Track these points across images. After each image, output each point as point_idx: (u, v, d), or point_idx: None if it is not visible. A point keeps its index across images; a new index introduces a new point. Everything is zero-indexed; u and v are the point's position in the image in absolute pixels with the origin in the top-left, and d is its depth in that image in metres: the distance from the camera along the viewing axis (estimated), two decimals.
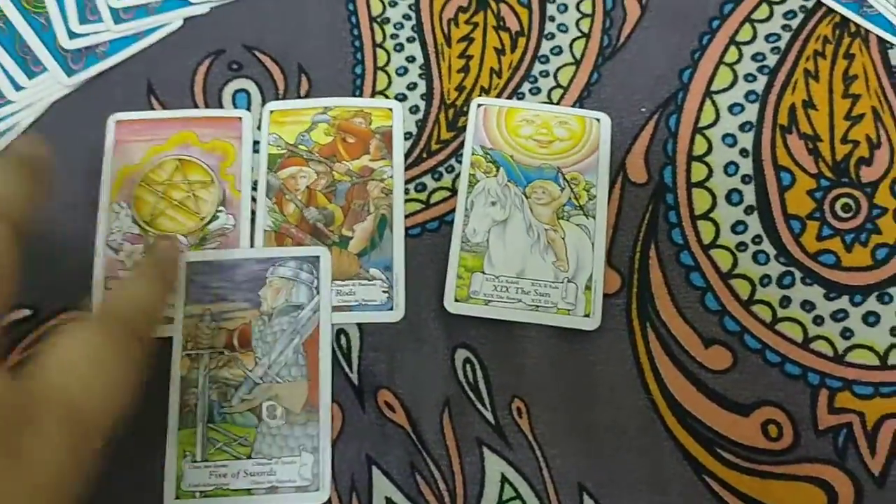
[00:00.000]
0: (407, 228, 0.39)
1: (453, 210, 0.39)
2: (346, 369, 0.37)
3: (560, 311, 0.37)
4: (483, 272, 0.38)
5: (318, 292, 0.38)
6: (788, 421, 0.36)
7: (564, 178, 0.40)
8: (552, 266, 0.38)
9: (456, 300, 0.37)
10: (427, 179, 0.40)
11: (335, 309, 0.38)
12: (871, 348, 0.37)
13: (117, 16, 0.42)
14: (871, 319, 0.37)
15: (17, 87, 0.41)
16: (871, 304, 0.37)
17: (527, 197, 0.39)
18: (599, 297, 0.38)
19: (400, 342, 0.37)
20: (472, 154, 0.40)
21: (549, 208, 0.39)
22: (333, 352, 0.37)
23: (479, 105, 0.41)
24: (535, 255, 0.38)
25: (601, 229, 0.39)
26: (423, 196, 0.40)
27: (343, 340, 0.38)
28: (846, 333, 0.37)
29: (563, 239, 0.38)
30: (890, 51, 0.41)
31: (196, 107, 0.41)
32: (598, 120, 0.40)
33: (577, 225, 0.39)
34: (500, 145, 0.40)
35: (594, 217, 0.39)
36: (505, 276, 0.38)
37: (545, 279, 0.38)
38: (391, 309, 0.38)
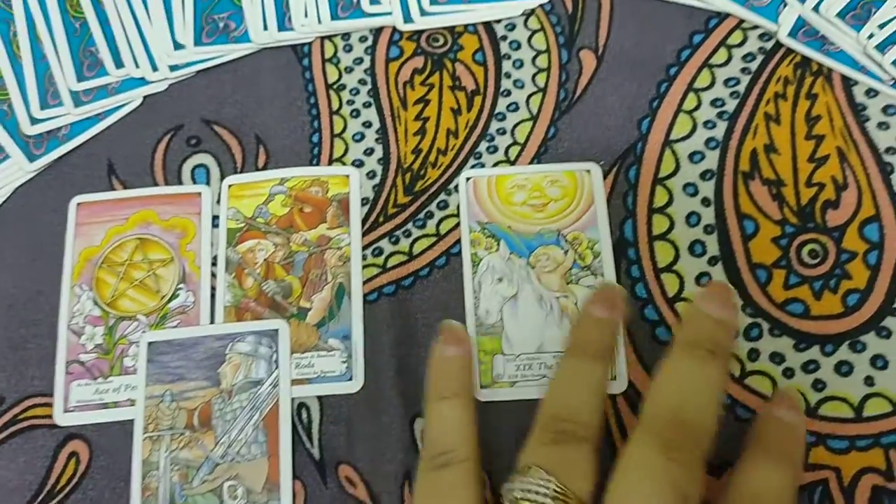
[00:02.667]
0: (364, 295, 0.39)
1: (410, 274, 0.39)
2: (308, 444, 0.37)
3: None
4: (503, 353, 0.37)
5: (276, 366, 0.37)
6: None
7: (566, 240, 0.39)
8: None
9: (482, 387, 0.37)
10: (384, 244, 0.40)
11: (294, 382, 0.37)
12: (844, 400, 0.35)
13: (78, 99, 0.43)
14: (843, 369, 0.36)
15: None
16: (844, 353, 0.36)
17: (532, 267, 0.39)
18: (622, 358, 0.37)
19: (359, 413, 0.37)
20: (470, 232, 0.39)
21: (556, 275, 0.38)
22: (294, 426, 0.37)
23: (468, 178, 0.40)
24: (550, 326, 0.37)
25: None
26: (379, 261, 0.39)
27: (304, 414, 0.37)
28: (818, 385, 0.36)
29: (576, 304, 0.38)
30: (854, 87, 0.40)
31: (156, 184, 0.42)
32: (588, 171, 0.40)
33: (588, 287, 0.38)
34: (495, 217, 0.39)
35: (602, 275, 0.38)
36: (525, 353, 0.37)
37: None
38: (350, 379, 0.37)
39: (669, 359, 0.32)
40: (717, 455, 0.35)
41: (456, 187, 0.40)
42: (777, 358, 0.36)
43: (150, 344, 0.38)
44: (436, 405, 0.34)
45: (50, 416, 0.38)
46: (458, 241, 0.39)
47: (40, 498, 0.37)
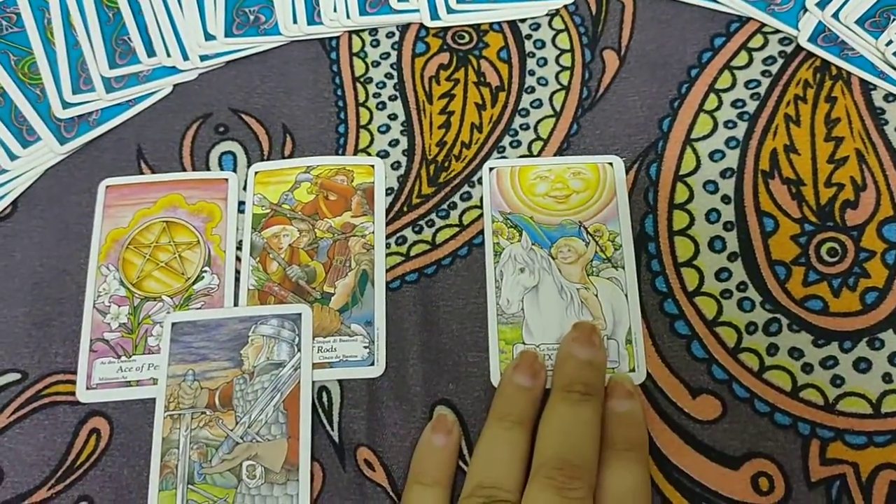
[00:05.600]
0: (387, 282, 0.39)
1: (433, 263, 0.39)
2: (328, 426, 0.37)
3: (606, 371, 0.36)
4: (524, 342, 0.37)
5: (299, 350, 0.38)
6: (779, 473, 0.35)
7: (588, 232, 0.39)
8: None
9: (502, 375, 0.37)
10: (408, 232, 0.40)
11: (316, 366, 0.38)
12: (863, 396, 0.36)
13: (109, 85, 0.43)
14: (862, 366, 0.36)
15: (12, 157, 0.42)
16: (862, 349, 0.36)
17: (553, 258, 0.39)
18: (641, 349, 0.37)
19: (379, 398, 0.37)
20: (493, 221, 0.40)
21: (577, 266, 0.39)
22: (314, 409, 0.37)
23: (491, 168, 0.41)
24: (571, 316, 0.38)
25: (632, 279, 0.38)
26: (402, 249, 0.40)
27: (324, 397, 0.38)
28: (836, 381, 0.36)
29: (597, 296, 0.38)
30: (873, 92, 0.41)
31: (184, 170, 0.42)
32: (610, 164, 0.40)
33: (608, 279, 0.38)
34: (518, 208, 0.40)
35: (623, 268, 0.38)
36: (545, 343, 0.37)
37: None
38: (372, 364, 0.38)
39: (550, 405, 0.34)
40: (734, 447, 0.35)
41: (479, 179, 0.41)
42: (796, 353, 0.37)
43: (174, 324, 0.38)
44: (414, 488, 0.35)
45: (72, 393, 0.38)
46: (481, 232, 0.40)
47: (59, 473, 0.37)
